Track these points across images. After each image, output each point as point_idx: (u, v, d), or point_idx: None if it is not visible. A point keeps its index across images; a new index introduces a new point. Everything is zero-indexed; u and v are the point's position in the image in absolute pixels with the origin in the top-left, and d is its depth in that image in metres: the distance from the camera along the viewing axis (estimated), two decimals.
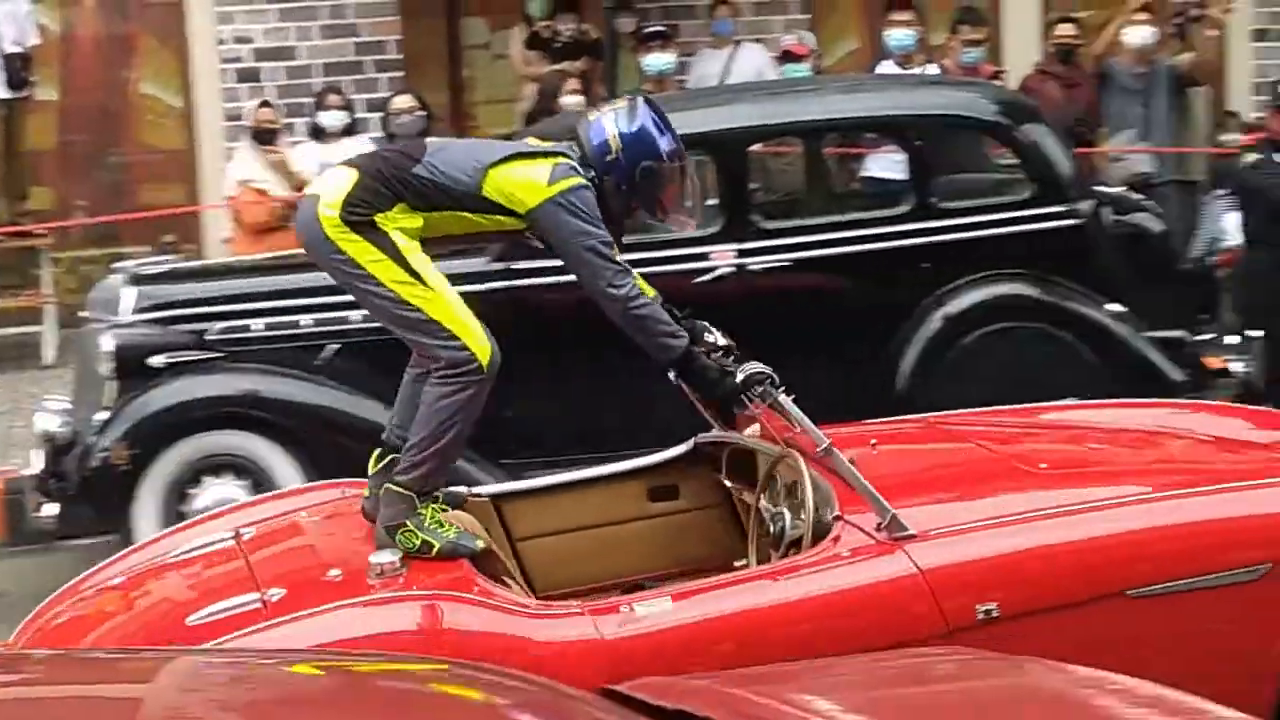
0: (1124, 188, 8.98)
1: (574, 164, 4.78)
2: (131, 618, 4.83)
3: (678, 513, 5.45)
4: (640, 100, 5.01)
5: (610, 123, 4.90)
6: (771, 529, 4.77)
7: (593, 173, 4.82)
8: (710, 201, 7.60)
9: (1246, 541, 4.64)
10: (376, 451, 4.98)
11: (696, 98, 9.26)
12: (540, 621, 4.37)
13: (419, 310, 4.69)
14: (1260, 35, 12.33)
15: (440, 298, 4.70)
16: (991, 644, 4.28)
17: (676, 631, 4.36)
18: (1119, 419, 5.66)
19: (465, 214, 4.80)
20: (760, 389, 4.88)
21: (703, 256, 7.43)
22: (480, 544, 4.73)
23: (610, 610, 4.42)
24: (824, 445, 4.73)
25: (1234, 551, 4.61)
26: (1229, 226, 9.35)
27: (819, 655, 4.19)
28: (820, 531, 4.60)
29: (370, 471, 4.98)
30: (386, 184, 4.73)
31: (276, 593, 4.50)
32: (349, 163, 4.90)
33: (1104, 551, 4.58)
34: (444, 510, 4.82)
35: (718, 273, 7.42)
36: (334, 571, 4.64)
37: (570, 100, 9.69)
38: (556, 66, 10.51)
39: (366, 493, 4.99)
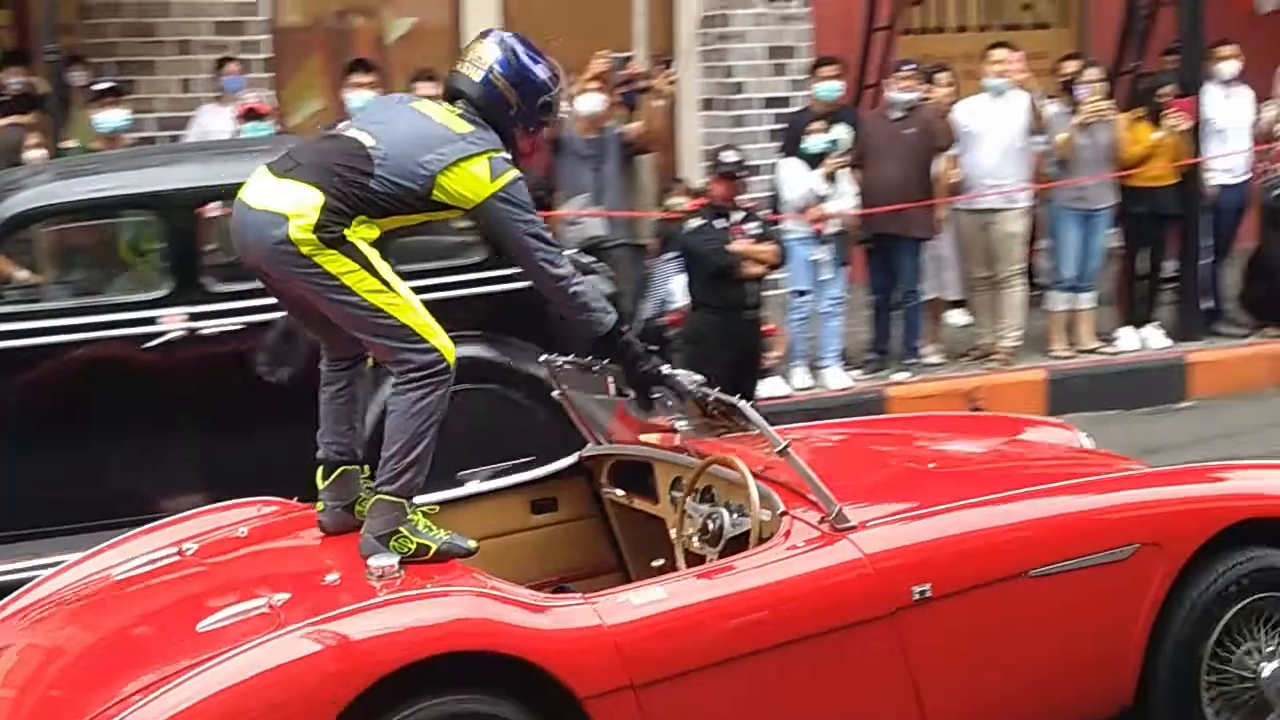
0: (577, 250, 9.24)
1: (505, 155, 4.95)
2: (128, 629, 4.82)
3: (556, 524, 5.88)
4: (507, 40, 5.11)
5: (498, 77, 5.04)
6: (710, 527, 5.15)
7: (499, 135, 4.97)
8: (160, 264, 7.46)
9: (1119, 526, 5.35)
10: (321, 468, 5.15)
11: (142, 156, 9.03)
12: (550, 613, 4.66)
13: (392, 317, 4.84)
14: (707, 105, 12.95)
15: (407, 303, 4.88)
16: (925, 623, 4.98)
17: (670, 615, 4.76)
18: (935, 425, 6.60)
19: (412, 215, 4.98)
20: (711, 397, 5.19)
21: (151, 320, 7.28)
22: (473, 544, 4.99)
23: (608, 600, 4.76)
24: (781, 446, 5.05)
25: (1111, 534, 5.31)
26: (676, 288, 9.75)
27: (791, 633, 4.84)
28: (767, 528, 5.04)
29: (321, 487, 5.16)
30: (347, 201, 4.83)
31: (280, 597, 4.58)
32: (303, 179, 4.81)
33: (1012, 537, 5.21)
34: (433, 513, 5.07)
35: (168, 337, 7.28)
36: (331, 576, 4.78)
37: (33, 155, 9.38)
38: (7, 120, 10.11)
39: (320, 507, 5.17)
